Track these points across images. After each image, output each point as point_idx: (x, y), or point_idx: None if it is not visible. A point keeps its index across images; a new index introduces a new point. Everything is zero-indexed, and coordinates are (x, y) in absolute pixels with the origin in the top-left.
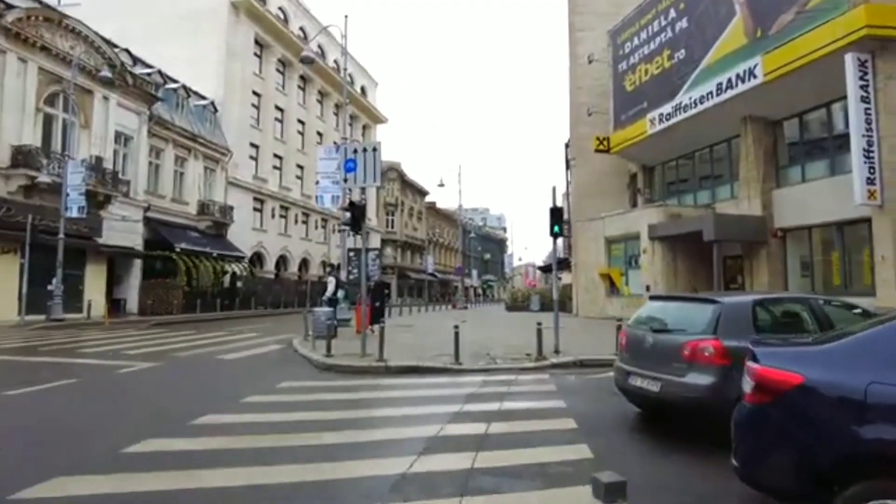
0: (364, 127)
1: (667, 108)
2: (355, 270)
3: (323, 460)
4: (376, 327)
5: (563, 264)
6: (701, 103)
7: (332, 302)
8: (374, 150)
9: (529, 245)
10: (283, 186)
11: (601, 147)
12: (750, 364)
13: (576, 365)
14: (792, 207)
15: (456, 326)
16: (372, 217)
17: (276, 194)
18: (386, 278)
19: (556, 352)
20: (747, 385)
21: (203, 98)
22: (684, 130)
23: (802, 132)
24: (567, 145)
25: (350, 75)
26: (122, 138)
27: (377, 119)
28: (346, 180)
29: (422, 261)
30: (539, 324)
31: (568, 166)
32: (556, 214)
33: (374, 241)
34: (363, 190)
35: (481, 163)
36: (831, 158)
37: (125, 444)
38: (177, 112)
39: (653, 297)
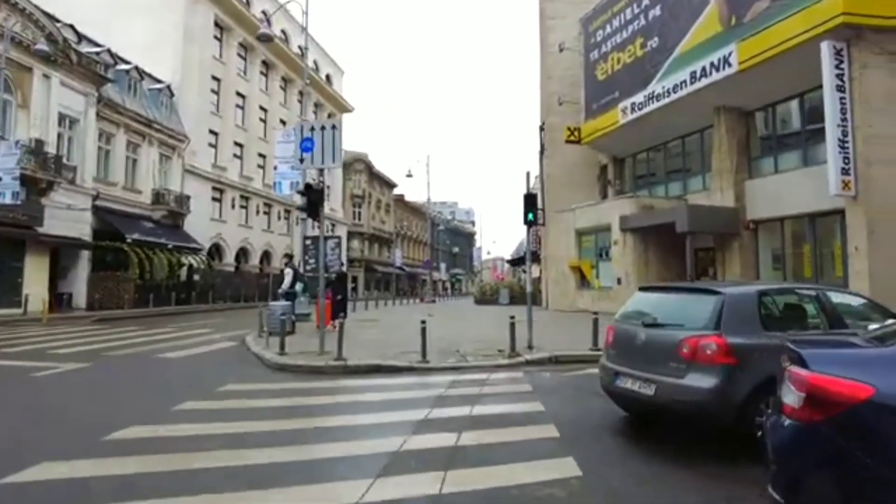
0: (329, 115)
1: (639, 98)
2: (313, 260)
3: (259, 486)
4: (337, 322)
5: (532, 257)
6: (674, 92)
7: (290, 295)
8: (334, 127)
9: (498, 239)
10: (244, 175)
11: (572, 138)
12: (796, 370)
13: (550, 361)
14: (764, 199)
15: (423, 322)
16: (338, 209)
17: (237, 184)
18: (353, 272)
19: (530, 347)
20: (792, 396)
21: (158, 81)
22: (656, 120)
23: (776, 123)
24: (542, 128)
25: (315, 62)
26: (66, 121)
27: (343, 108)
28: (302, 160)
29: (389, 254)
30: (512, 318)
31: (542, 152)
32: (530, 201)
33: (340, 234)
34: (321, 172)
35: (450, 156)
36: (804, 149)
37: (7, 471)
38: (129, 95)
39: (643, 288)
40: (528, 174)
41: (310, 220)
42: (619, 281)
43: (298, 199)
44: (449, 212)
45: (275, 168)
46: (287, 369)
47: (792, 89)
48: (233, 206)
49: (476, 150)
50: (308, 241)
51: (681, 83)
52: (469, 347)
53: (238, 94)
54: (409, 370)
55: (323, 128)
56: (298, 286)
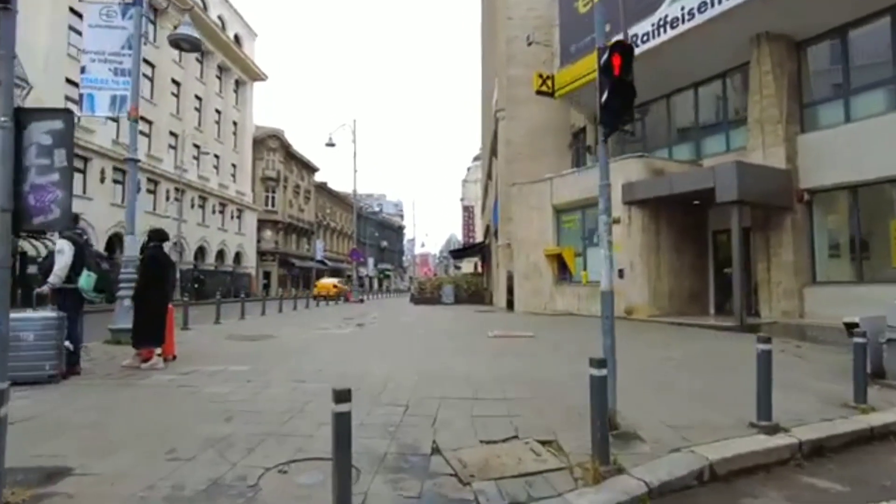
0: (237, 82)
1: (644, 27)
2: None
3: None
4: (158, 359)
5: (474, 250)
6: (700, 13)
7: (66, 296)
8: None
9: (427, 233)
10: (119, 143)
11: (544, 88)
12: None
13: (700, 482)
14: (825, 159)
15: (342, 406)
16: (246, 192)
17: (109, 151)
18: (265, 266)
19: (614, 429)
20: None
21: None
22: (665, 59)
23: (847, 53)
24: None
25: (220, 18)
26: None
27: (254, 74)
28: None
29: (309, 246)
30: (601, 368)
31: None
32: (620, 58)
33: (250, 221)
34: None
35: (378, 145)
36: None
37: None
38: None
39: None
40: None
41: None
42: (620, 273)
43: (123, 118)
44: (377, 204)
45: (82, 71)
46: None
47: (880, 1)
48: (102, 181)
49: (405, 139)
50: None
51: (710, 0)
52: (456, 422)
53: None
54: None
55: None
56: (86, 277)
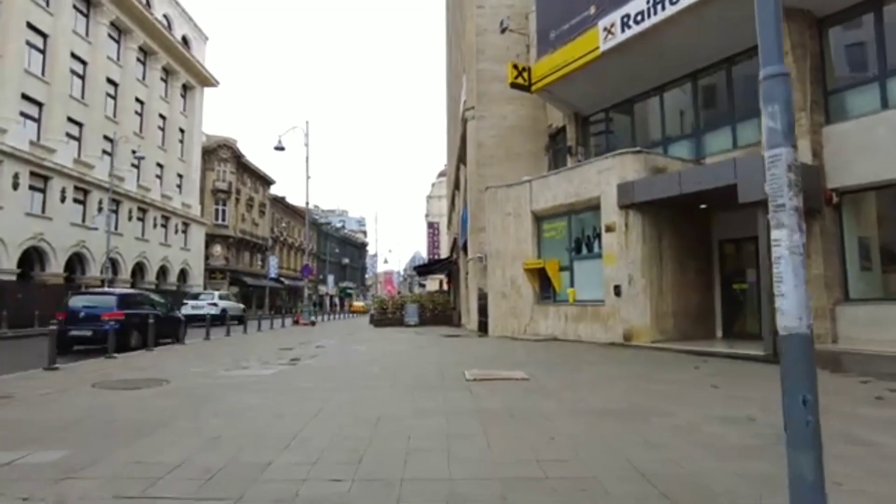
0: (185, 87)
1: (638, 4)
2: None
3: None
4: None
5: (441, 266)
6: None
7: None
8: None
9: (391, 249)
10: (41, 145)
11: (520, 81)
12: None
13: None
14: (856, 154)
15: None
16: (194, 204)
17: (25, 155)
18: (214, 284)
19: None
20: None
21: None
22: (660, 44)
23: (882, 30)
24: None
25: (166, 17)
26: None
27: (204, 80)
28: None
29: (263, 263)
30: None
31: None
32: None
33: (197, 236)
34: None
35: (341, 161)
36: None
37: None
38: None
39: None
40: None
41: None
42: (616, 290)
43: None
44: (339, 220)
45: None
46: None
47: None
48: (15, 187)
49: (369, 154)
50: None
51: None
52: None
53: (34, 28)
54: None
55: None
56: None
